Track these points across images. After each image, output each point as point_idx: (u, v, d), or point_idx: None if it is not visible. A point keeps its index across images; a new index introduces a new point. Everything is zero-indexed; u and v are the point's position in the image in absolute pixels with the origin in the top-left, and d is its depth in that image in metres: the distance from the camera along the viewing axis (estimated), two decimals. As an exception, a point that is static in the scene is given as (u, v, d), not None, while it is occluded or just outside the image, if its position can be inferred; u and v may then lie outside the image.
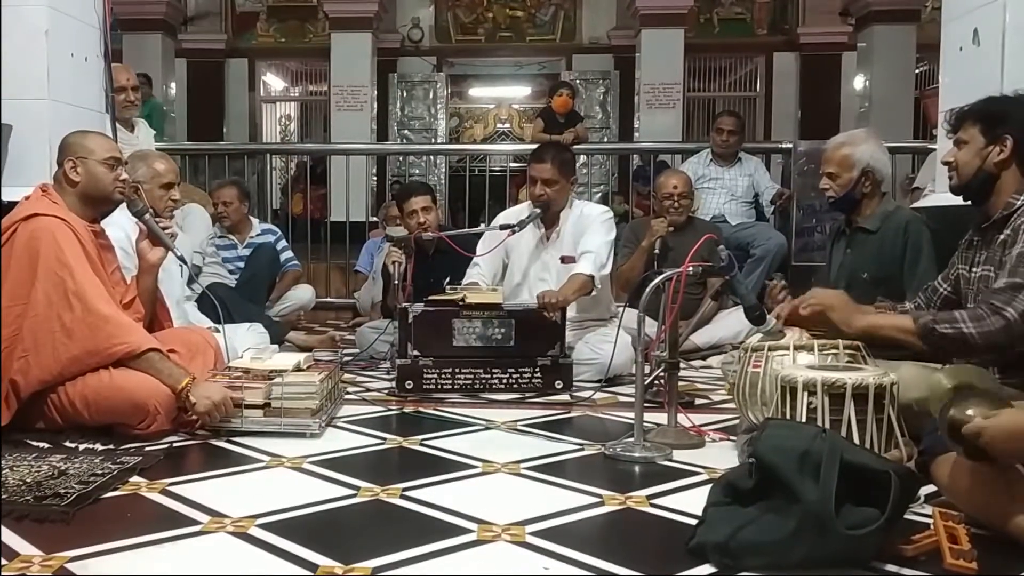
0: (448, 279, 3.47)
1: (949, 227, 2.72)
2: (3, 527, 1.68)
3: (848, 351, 2.19)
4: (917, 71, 10.08)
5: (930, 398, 1.98)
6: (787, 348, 2.21)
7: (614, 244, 3.57)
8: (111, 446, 2.31)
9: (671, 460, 2.26)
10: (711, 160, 5.19)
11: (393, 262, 3.56)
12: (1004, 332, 2.00)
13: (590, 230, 3.48)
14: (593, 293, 3.40)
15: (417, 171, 10.15)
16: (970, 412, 1.59)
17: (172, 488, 1.97)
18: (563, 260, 3.52)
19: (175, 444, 2.37)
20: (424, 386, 3.10)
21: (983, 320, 2.02)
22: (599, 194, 9.67)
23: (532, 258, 3.61)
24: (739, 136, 5.22)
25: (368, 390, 3.21)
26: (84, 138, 2.62)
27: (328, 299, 5.83)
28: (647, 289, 2.44)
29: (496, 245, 3.56)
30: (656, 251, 3.86)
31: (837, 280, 2.95)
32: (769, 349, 2.23)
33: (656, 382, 2.72)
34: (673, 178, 4.29)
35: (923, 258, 2.81)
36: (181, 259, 2.83)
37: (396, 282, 3.52)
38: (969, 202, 2.25)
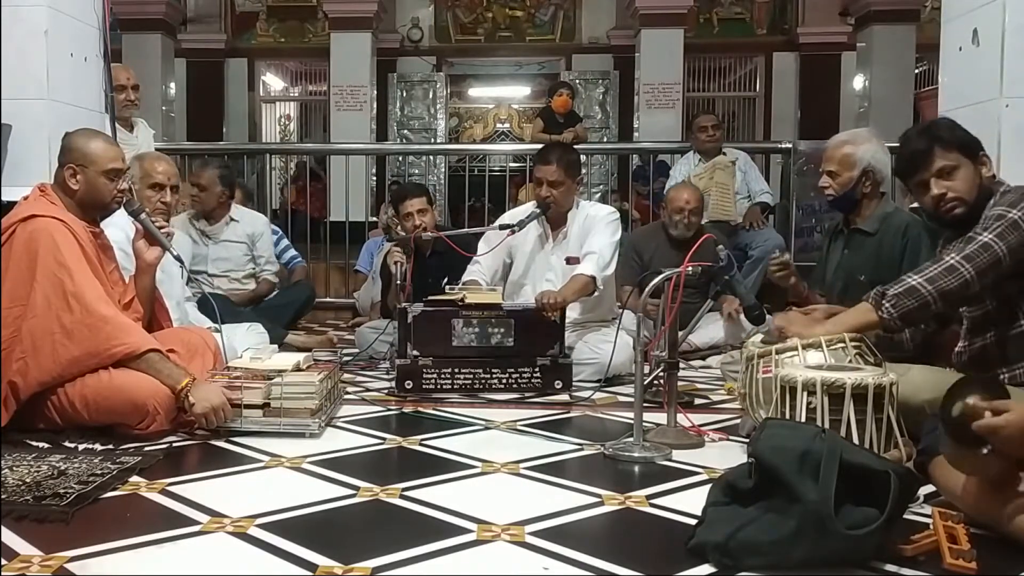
0: (446, 279, 3.47)
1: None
2: (3, 527, 1.68)
3: (854, 343, 2.19)
4: (917, 71, 10.08)
5: (942, 399, 1.98)
6: (795, 348, 2.21)
7: (618, 246, 3.57)
8: (111, 446, 2.31)
9: (670, 460, 2.26)
10: (699, 160, 5.21)
11: (395, 262, 3.56)
12: (949, 274, 2.05)
13: (595, 231, 3.49)
14: (595, 294, 3.40)
15: (417, 171, 10.14)
16: (972, 401, 1.59)
17: (172, 488, 1.97)
18: (568, 261, 3.52)
19: (175, 444, 2.37)
20: (423, 386, 3.10)
21: (926, 270, 2.09)
22: (598, 194, 9.67)
23: (538, 259, 3.60)
24: (721, 130, 5.38)
25: (367, 390, 3.21)
26: (87, 144, 2.56)
27: (328, 299, 5.83)
28: (645, 291, 2.45)
29: (496, 245, 3.56)
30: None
31: (834, 281, 2.94)
32: (777, 352, 2.22)
33: (656, 382, 2.72)
34: (685, 192, 4.16)
35: (921, 262, 2.80)
36: (178, 258, 2.82)
37: (398, 281, 3.52)
38: (962, 225, 2.18)
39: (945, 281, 2.06)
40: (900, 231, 2.86)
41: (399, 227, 3.92)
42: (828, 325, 2.25)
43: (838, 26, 10.51)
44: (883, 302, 2.13)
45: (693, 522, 1.67)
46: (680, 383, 2.69)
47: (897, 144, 2.35)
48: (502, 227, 3.51)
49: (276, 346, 3.26)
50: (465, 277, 3.54)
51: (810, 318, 2.34)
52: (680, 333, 2.64)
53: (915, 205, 3.93)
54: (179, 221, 4.29)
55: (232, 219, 4.38)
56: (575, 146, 4.66)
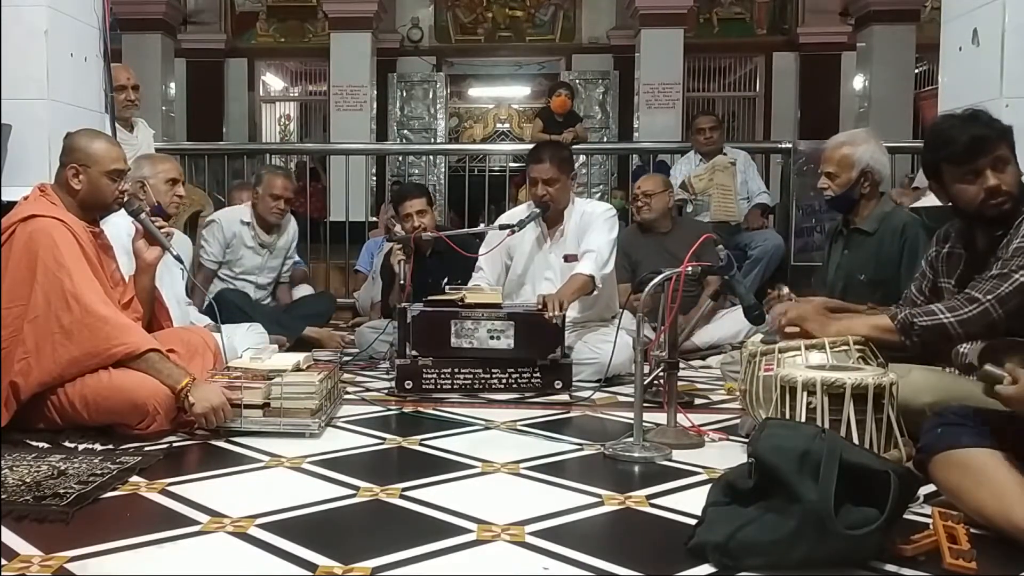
0: (445, 279, 3.47)
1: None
2: (3, 527, 1.68)
3: (858, 347, 2.19)
4: (917, 71, 10.09)
5: (943, 401, 1.98)
6: (798, 348, 2.21)
7: (616, 243, 3.56)
8: (110, 446, 2.31)
9: (670, 460, 2.26)
10: (700, 161, 5.21)
11: (398, 260, 3.56)
12: (982, 318, 2.04)
13: (592, 229, 3.48)
14: (594, 293, 3.40)
15: (416, 171, 10.15)
16: (989, 368, 1.65)
17: (172, 488, 1.97)
18: (566, 259, 3.51)
19: (174, 444, 2.37)
20: (423, 386, 3.10)
21: (960, 310, 2.07)
22: (598, 194, 9.67)
23: (536, 258, 3.60)
24: (720, 131, 5.39)
25: (367, 390, 3.21)
26: (90, 144, 2.56)
27: (327, 299, 5.82)
28: (645, 291, 2.45)
29: (496, 245, 3.56)
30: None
31: (835, 281, 2.95)
32: (780, 351, 2.22)
33: (655, 382, 2.72)
34: (642, 181, 4.47)
35: (919, 261, 2.80)
36: (178, 258, 2.82)
37: (400, 280, 3.52)
38: (996, 224, 2.12)
39: (975, 327, 2.06)
40: (898, 231, 2.86)
41: (399, 227, 3.92)
42: (843, 324, 2.25)
43: (838, 26, 10.52)
44: (910, 331, 2.13)
45: (693, 522, 1.67)
46: (680, 383, 2.69)
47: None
48: (502, 227, 3.51)
49: (276, 346, 3.26)
50: (470, 284, 3.54)
51: (823, 315, 2.31)
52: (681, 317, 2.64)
53: (915, 205, 3.94)
54: (227, 219, 4.23)
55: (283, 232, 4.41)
56: (575, 146, 4.67)
